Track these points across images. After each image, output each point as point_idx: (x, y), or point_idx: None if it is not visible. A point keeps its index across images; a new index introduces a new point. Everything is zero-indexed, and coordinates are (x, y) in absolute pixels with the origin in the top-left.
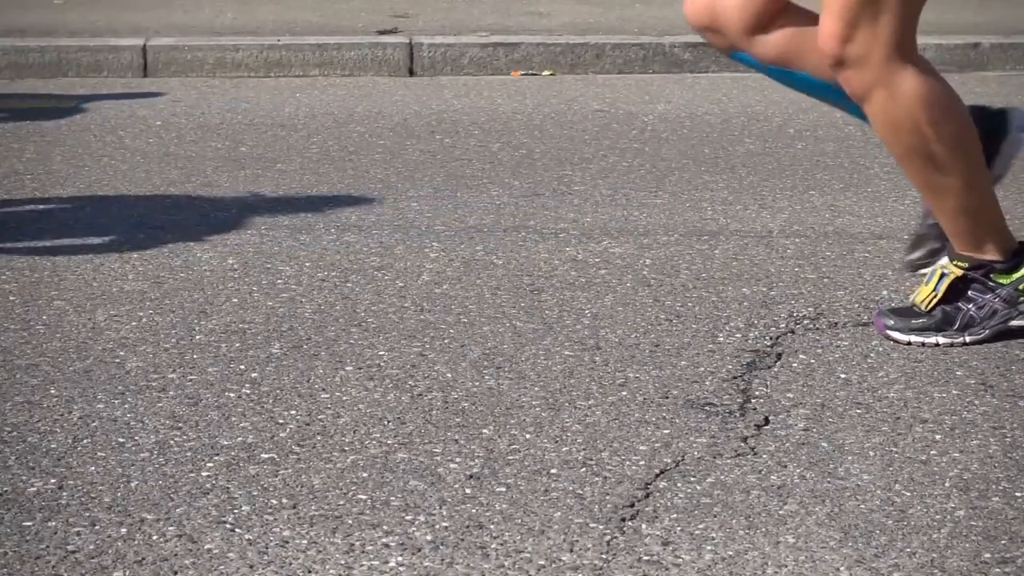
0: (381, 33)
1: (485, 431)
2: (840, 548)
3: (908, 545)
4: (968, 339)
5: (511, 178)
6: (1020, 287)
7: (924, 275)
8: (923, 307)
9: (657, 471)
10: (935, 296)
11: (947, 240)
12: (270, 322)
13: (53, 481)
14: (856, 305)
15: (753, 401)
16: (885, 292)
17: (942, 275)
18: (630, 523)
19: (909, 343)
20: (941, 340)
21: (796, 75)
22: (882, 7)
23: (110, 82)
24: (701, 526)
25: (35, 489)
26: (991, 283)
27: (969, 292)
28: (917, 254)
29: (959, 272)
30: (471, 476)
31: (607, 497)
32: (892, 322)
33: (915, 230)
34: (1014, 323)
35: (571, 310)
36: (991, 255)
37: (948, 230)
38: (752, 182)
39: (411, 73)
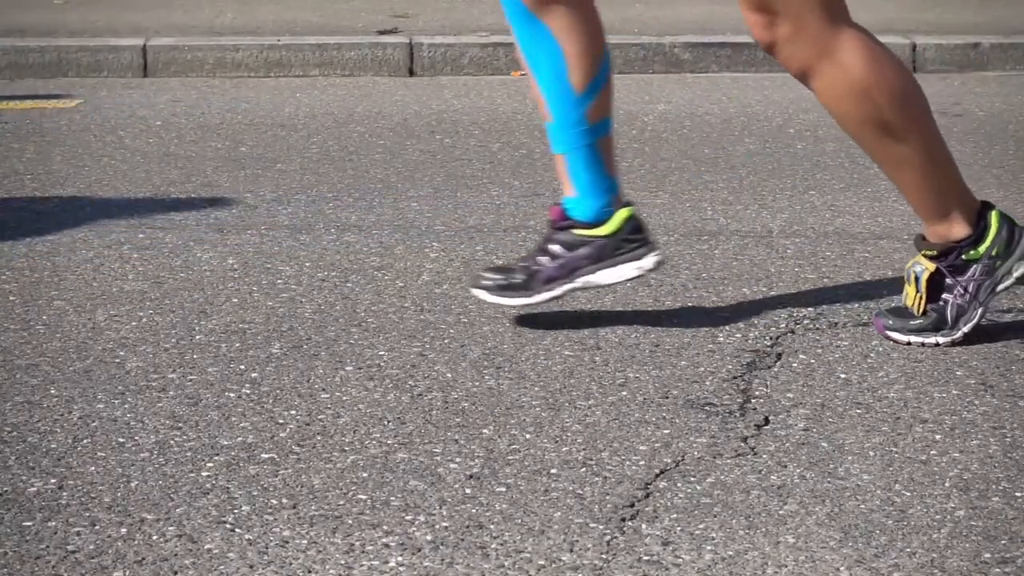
0: (381, 33)
1: (485, 431)
2: (840, 548)
3: (908, 545)
4: (965, 329)
5: (511, 178)
6: (993, 253)
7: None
8: (916, 311)
9: (657, 471)
10: (921, 297)
11: None
12: (270, 322)
13: (53, 481)
14: (856, 305)
15: (753, 401)
16: (885, 292)
17: (917, 275)
18: (630, 523)
19: (909, 343)
20: (940, 340)
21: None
22: None
23: (110, 82)
24: (701, 526)
25: (35, 489)
26: (964, 263)
27: (947, 281)
28: None
29: (932, 267)
30: (471, 476)
31: (607, 497)
32: (891, 322)
33: None
34: (1001, 287)
35: (571, 310)
36: (958, 229)
37: (916, 206)
38: (752, 182)
39: (411, 73)
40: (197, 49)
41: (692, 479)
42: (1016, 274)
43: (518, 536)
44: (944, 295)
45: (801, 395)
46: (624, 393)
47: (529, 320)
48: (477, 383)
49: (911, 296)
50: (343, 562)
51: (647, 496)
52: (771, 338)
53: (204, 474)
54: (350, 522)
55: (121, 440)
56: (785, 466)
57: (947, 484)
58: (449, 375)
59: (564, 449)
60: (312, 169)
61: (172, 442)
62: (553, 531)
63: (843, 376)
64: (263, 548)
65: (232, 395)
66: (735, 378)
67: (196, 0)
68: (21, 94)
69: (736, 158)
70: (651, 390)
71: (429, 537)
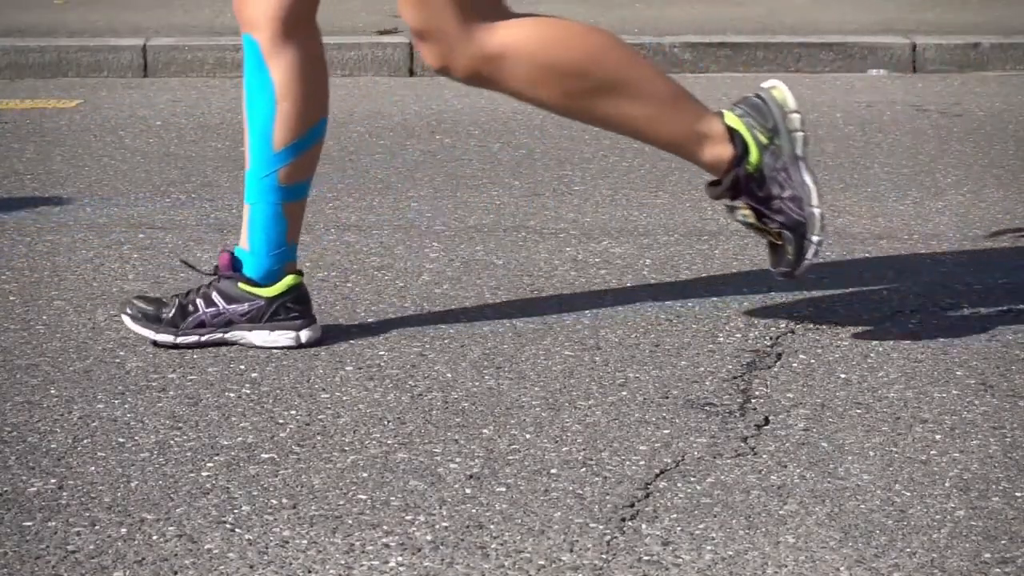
0: (381, 33)
1: (485, 431)
2: (840, 548)
3: (908, 545)
4: (816, 205)
5: (511, 178)
6: (765, 141)
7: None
8: (781, 240)
9: (657, 471)
10: (774, 230)
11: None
12: None
13: (53, 481)
14: (856, 305)
15: (753, 401)
16: (885, 292)
17: (747, 222)
18: (630, 523)
19: (796, 270)
20: (815, 238)
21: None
22: None
23: (110, 82)
24: (701, 526)
25: (35, 489)
26: (756, 173)
27: (769, 197)
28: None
29: (746, 206)
30: (471, 476)
31: (607, 497)
32: (781, 270)
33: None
34: (800, 150)
35: (571, 310)
36: (722, 147)
37: (677, 152)
38: None
39: (411, 73)
40: (197, 49)
41: (692, 479)
42: (797, 130)
43: (518, 536)
44: (774, 208)
45: (801, 395)
46: (624, 393)
47: (529, 320)
48: (477, 383)
49: (770, 238)
50: (343, 562)
51: (647, 496)
52: (771, 338)
53: (204, 474)
54: (350, 522)
55: (121, 440)
56: (785, 466)
57: (947, 484)
58: (449, 375)
59: (564, 449)
60: None
61: (172, 442)
62: (553, 531)
63: (843, 376)
64: (263, 548)
65: (232, 395)
66: (735, 378)
67: (196, 0)
68: (21, 94)
69: None
70: (651, 390)
71: (429, 537)
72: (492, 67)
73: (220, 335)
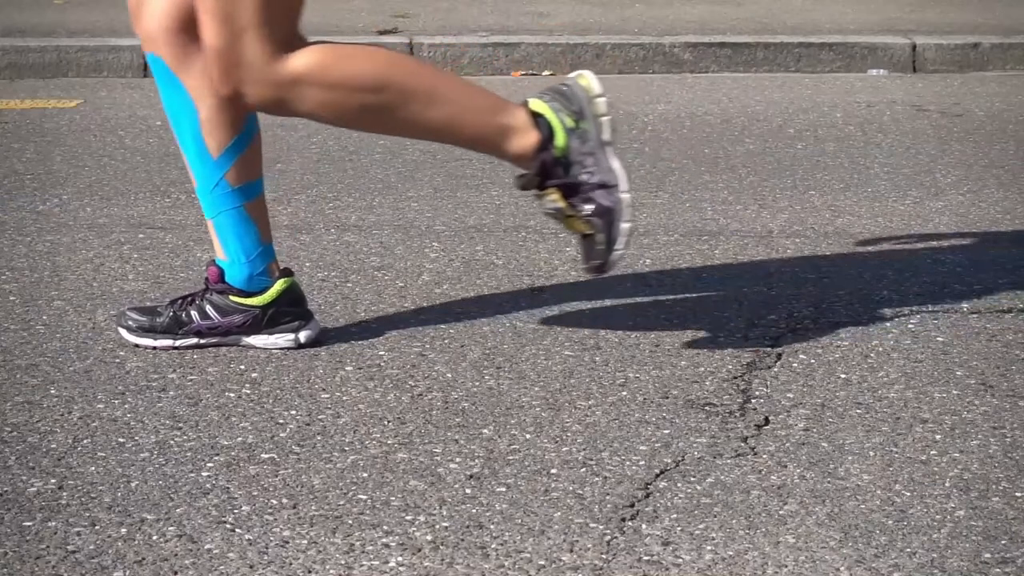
0: (381, 33)
1: (485, 431)
2: (840, 548)
3: (908, 545)
4: (624, 188)
5: (511, 178)
6: (570, 125)
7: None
8: (591, 229)
9: (657, 471)
10: (584, 221)
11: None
12: None
13: (53, 481)
14: (856, 305)
15: (753, 401)
16: (885, 292)
17: (559, 211)
18: (630, 523)
19: (604, 263)
20: (625, 224)
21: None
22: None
23: (110, 82)
24: (701, 526)
25: (35, 489)
26: (563, 159)
27: (577, 183)
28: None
29: (557, 194)
30: (471, 476)
31: (607, 497)
32: (591, 264)
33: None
34: (606, 136)
35: (571, 310)
36: (528, 137)
37: (485, 151)
38: (752, 182)
39: None
40: None
41: (692, 479)
42: (603, 115)
43: (518, 536)
44: (583, 195)
45: (801, 395)
46: (624, 393)
47: (529, 320)
48: (477, 383)
49: (580, 229)
50: (343, 562)
51: (647, 496)
52: (771, 338)
53: (204, 474)
54: (350, 522)
55: (121, 440)
56: (785, 466)
57: (947, 484)
58: (449, 375)
59: (564, 449)
60: (312, 169)
61: (172, 442)
62: (553, 531)
63: (843, 376)
64: (263, 548)
65: (232, 395)
66: (735, 378)
67: None
68: (21, 94)
69: (736, 158)
70: (651, 390)
71: (429, 537)
72: (287, 93)
73: (218, 339)
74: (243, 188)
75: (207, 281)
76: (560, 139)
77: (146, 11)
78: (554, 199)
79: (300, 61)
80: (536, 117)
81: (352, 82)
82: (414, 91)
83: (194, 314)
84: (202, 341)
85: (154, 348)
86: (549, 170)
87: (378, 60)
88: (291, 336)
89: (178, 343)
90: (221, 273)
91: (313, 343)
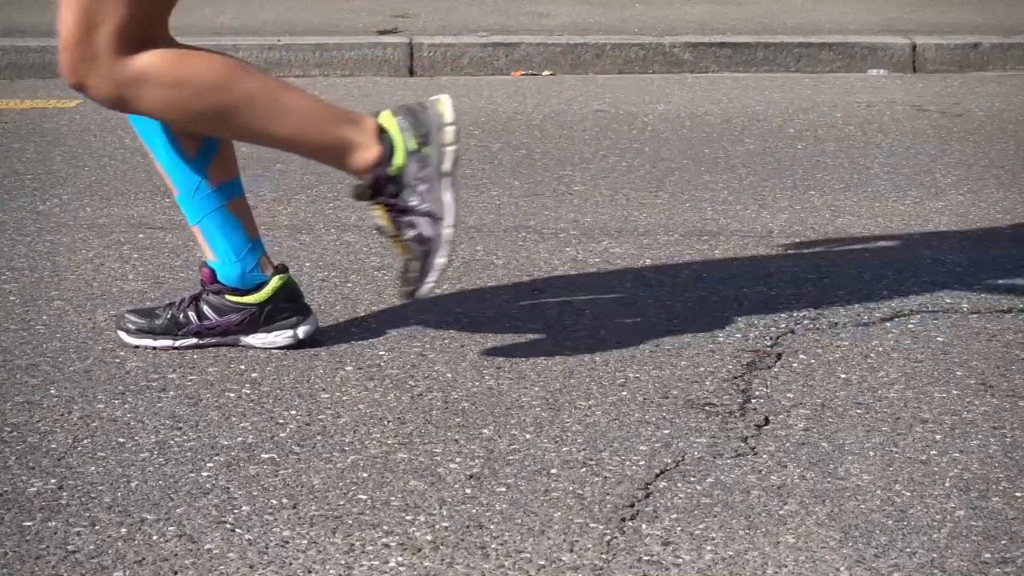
0: (381, 33)
1: (485, 431)
2: (840, 548)
3: (908, 545)
4: (448, 224)
5: (511, 178)
6: (412, 148)
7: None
8: (410, 254)
9: (657, 471)
10: (404, 242)
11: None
12: None
13: (53, 481)
14: (856, 305)
15: (753, 401)
16: (885, 292)
17: (381, 228)
18: (630, 523)
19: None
20: (440, 260)
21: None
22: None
23: None
24: (701, 526)
25: (35, 489)
26: (397, 177)
27: (398, 204)
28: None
29: (381, 209)
30: (471, 476)
31: (607, 497)
32: (408, 288)
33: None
34: (446, 167)
35: (571, 310)
36: (369, 152)
37: (323, 161)
38: (752, 182)
39: (411, 73)
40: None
41: (692, 479)
42: (449, 144)
43: (518, 536)
44: (408, 219)
45: (801, 395)
46: (624, 393)
47: (529, 320)
48: (477, 383)
49: (399, 251)
50: (343, 562)
51: (647, 496)
52: (771, 338)
53: (204, 474)
54: (350, 522)
55: (121, 440)
56: (785, 466)
57: (947, 484)
58: (449, 375)
59: (564, 449)
60: (312, 169)
61: (172, 442)
62: (553, 531)
63: (843, 376)
64: (263, 548)
65: (232, 395)
66: (735, 378)
67: (196, 0)
68: (21, 94)
69: (736, 158)
70: (651, 390)
71: (429, 537)
72: (128, 91)
73: (218, 339)
74: (223, 187)
75: (202, 283)
76: (399, 159)
77: None
78: (378, 215)
79: (142, 60)
80: (382, 132)
81: (192, 83)
82: (256, 97)
83: (192, 315)
84: (201, 341)
85: (154, 348)
86: (380, 187)
87: (220, 64)
88: (289, 332)
89: (178, 343)
90: (214, 274)
91: (313, 342)
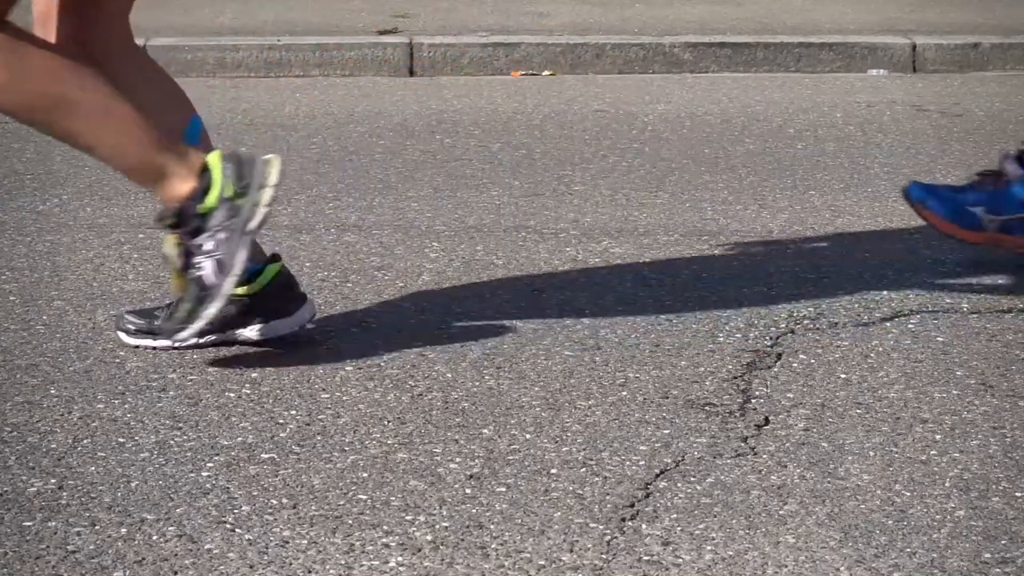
0: (381, 33)
1: (485, 431)
2: (840, 548)
3: (908, 545)
4: (229, 281)
5: (511, 178)
6: (227, 195)
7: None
8: (186, 293)
9: (657, 471)
10: (185, 274)
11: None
12: None
13: (53, 481)
14: (856, 305)
15: (753, 401)
16: (885, 292)
17: (168, 256)
18: (630, 523)
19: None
20: (211, 309)
21: None
22: None
23: None
24: (701, 526)
25: (35, 489)
26: (202, 216)
27: (190, 244)
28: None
29: (174, 239)
30: (471, 476)
31: (607, 497)
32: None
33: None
34: (253, 224)
35: (571, 310)
36: (183, 185)
37: (131, 176)
38: (752, 182)
39: (411, 73)
40: (197, 49)
41: (692, 479)
42: (263, 205)
43: (518, 536)
44: (198, 260)
45: (801, 395)
46: (624, 393)
47: (529, 320)
48: (477, 383)
49: (177, 287)
50: (343, 562)
51: (647, 496)
52: (771, 338)
53: (204, 474)
54: (350, 522)
55: (121, 440)
56: (785, 466)
57: (947, 484)
58: (449, 375)
59: (564, 449)
60: (312, 169)
61: (172, 442)
62: (553, 531)
63: (843, 376)
64: (263, 548)
65: (232, 395)
66: (735, 378)
67: (196, 0)
68: None
69: (736, 158)
70: (651, 390)
71: (429, 537)
72: None
73: (219, 336)
74: None
75: None
76: (211, 200)
77: (51, 26)
78: (170, 246)
79: None
80: (205, 170)
81: (20, 78)
82: (84, 104)
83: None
84: (201, 340)
85: (154, 348)
86: (185, 220)
87: (58, 62)
88: (288, 320)
89: (178, 343)
90: None
91: (313, 342)
